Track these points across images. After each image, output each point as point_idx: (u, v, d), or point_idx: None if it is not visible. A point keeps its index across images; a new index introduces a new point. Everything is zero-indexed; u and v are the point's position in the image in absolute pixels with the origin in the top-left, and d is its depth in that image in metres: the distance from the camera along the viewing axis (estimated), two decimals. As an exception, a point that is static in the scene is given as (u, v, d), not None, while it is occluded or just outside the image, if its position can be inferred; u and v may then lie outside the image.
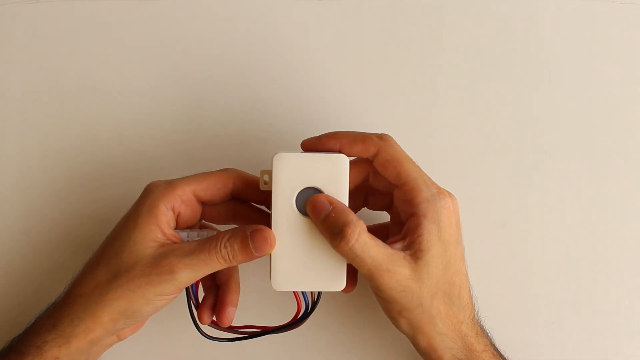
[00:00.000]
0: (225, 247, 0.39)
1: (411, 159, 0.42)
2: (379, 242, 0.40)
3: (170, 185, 0.42)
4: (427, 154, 0.50)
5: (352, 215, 0.40)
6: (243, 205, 0.45)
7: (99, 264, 0.41)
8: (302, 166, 0.40)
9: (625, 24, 0.51)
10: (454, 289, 0.42)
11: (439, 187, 0.42)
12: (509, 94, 0.51)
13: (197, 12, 0.51)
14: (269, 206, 0.42)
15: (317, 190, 0.41)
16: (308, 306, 0.43)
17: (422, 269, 0.40)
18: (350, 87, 0.51)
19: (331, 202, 0.40)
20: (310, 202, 0.40)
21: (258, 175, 0.42)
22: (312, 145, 0.43)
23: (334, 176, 0.41)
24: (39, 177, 0.50)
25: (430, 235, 0.40)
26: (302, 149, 0.43)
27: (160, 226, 0.41)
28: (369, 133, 0.42)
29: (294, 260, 0.41)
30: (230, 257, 0.40)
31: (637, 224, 0.51)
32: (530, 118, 0.51)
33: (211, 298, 0.44)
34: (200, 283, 0.44)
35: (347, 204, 0.41)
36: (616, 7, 0.51)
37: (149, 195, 0.41)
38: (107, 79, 0.51)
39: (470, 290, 0.43)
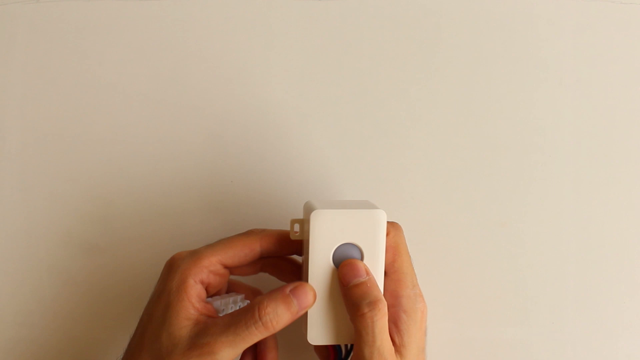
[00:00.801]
0: (267, 314, 0.39)
1: (409, 255, 0.43)
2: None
3: (195, 256, 0.41)
4: (427, 153, 0.50)
5: (382, 294, 0.40)
6: (270, 258, 0.44)
7: (141, 350, 0.40)
8: (339, 222, 0.40)
9: (625, 24, 0.51)
10: None
11: (420, 291, 0.42)
12: (509, 93, 0.51)
13: (196, 13, 0.51)
14: (300, 252, 0.42)
15: (354, 246, 0.41)
16: (341, 353, 0.43)
17: None
18: (350, 86, 0.51)
19: (368, 273, 0.40)
20: (346, 264, 0.40)
21: (278, 230, 0.43)
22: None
23: (372, 231, 0.40)
24: (39, 177, 0.51)
25: (410, 332, 0.40)
26: None
27: (191, 302, 0.40)
28: None
29: (330, 315, 0.41)
30: (274, 323, 0.39)
31: (637, 224, 0.51)
32: (530, 118, 0.51)
33: (250, 358, 0.45)
34: None
35: (383, 258, 0.41)
36: (616, 7, 0.51)
37: (176, 270, 0.41)
38: (107, 79, 0.51)
39: None
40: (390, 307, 0.41)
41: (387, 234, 0.42)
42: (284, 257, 0.45)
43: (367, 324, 0.39)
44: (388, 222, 0.42)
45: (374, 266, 0.41)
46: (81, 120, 0.51)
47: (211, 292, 0.42)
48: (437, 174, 0.51)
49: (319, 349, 0.46)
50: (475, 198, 0.50)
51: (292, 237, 0.42)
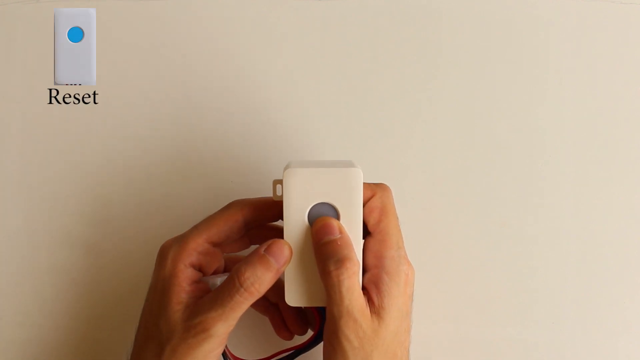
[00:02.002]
0: (247, 278, 0.38)
1: (397, 217, 0.42)
2: (361, 291, 0.39)
3: (182, 242, 0.41)
4: (427, 153, 0.50)
5: (354, 253, 0.39)
6: (258, 228, 0.44)
7: (146, 340, 0.41)
8: (314, 181, 0.39)
9: (625, 24, 0.51)
10: None
11: (405, 254, 0.41)
12: (509, 93, 0.51)
13: (197, 13, 0.51)
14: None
15: (330, 206, 0.40)
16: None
17: (381, 331, 0.39)
18: (350, 86, 0.51)
19: (341, 231, 0.39)
20: (320, 222, 0.40)
21: (259, 197, 0.42)
22: None
23: (348, 190, 0.39)
24: (39, 177, 0.51)
25: (391, 294, 0.39)
26: None
27: (182, 286, 0.40)
28: (368, 183, 0.42)
29: (308, 275, 0.40)
30: (257, 286, 0.39)
31: (637, 225, 0.51)
32: (530, 118, 0.51)
33: (276, 315, 0.45)
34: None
35: (361, 218, 0.40)
36: (616, 7, 0.51)
37: (166, 258, 0.41)
38: (107, 79, 0.51)
39: None
40: (373, 268, 0.40)
41: (374, 195, 0.41)
42: (270, 226, 0.45)
43: (333, 282, 0.38)
44: (375, 183, 0.41)
45: (351, 226, 0.40)
46: (81, 120, 0.51)
47: (208, 272, 0.42)
48: (438, 174, 0.51)
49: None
50: (475, 198, 0.50)
51: (275, 199, 0.41)
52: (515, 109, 0.51)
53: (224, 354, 0.42)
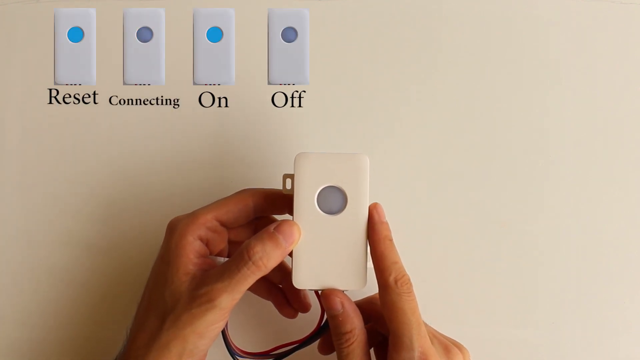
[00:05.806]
0: (256, 252, 0.39)
1: (419, 321, 0.40)
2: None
3: (192, 216, 0.42)
4: (428, 153, 0.50)
5: (356, 323, 0.41)
6: (264, 219, 0.45)
7: (148, 311, 0.41)
8: (323, 165, 0.41)
9: (625, 24, 0.51)
10: None
11: (425, 352, 0.40)
12: (509, 93, 0.51)
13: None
14: (291, 211, 0.42)
15: (338, 189, 0.41)
16: (324, 324, 0.43)
17: None
18: (349, 86, 0.51)
19: (343, 304, 0.41)
20: (325, 296, 0.41)
21: (270, 188, 0.43)
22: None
23: (355, 175, 0.41)
24: (39, 177, 0.51)
25: None
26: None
27: (189, 257, 0.41)
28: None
29: (315, 258, 0.41)
30: (265, 261, 0.39)
31: (637, 225, 0.51)
32: (530, 118, 0.51)
33: (279, 296, 0.46)
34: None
35: (367, 201, 0.41)
36: (616, 7, 0.51)
37: (174, 231, 0.42)
38: (107, 78, 0.51)
39: None
40: None
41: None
42: (275, 219, 0.45)
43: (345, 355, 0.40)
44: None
45: (358, 209, 0.41)
46: (81, 120, 0.51)
47: (213, 251, 0.43)
48: (438, 173, 0.51)
49: None
50: (475, 198, 0.50)
51: (284, 192, 0.43)
52: (516, 109, 0.51)
53: (225, 340, 0.42)
